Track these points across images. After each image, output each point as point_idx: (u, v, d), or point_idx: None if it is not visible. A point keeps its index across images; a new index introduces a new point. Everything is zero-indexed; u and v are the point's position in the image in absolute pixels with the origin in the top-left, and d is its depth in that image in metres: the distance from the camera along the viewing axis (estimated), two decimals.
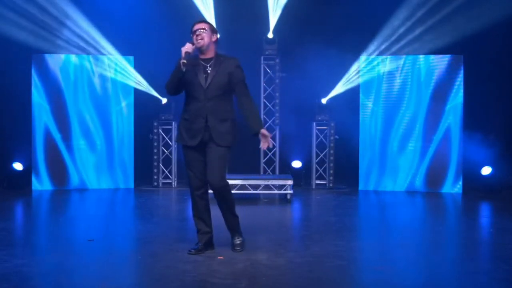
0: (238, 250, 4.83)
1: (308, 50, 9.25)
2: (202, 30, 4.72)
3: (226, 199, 4.82)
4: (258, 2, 9.04)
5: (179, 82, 4.75)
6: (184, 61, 4.62)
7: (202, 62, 4.75)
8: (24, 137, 8.76)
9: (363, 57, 8.93)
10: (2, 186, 8.68)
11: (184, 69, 4.66)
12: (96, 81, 8.88)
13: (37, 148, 8.73)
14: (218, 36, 4.86)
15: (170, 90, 4.84)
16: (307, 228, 6.23)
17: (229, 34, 9.13)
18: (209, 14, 9.01)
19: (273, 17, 9.05)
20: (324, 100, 9.15)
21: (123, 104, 9.00)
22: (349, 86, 9.07)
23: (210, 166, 4.68)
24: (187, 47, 4.67)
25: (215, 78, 4.68)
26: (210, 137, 4.67)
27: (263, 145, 4.64)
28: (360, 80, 8.94)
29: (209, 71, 4.70)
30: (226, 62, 4.74)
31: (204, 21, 4.92)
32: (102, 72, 8.88)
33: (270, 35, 9.15)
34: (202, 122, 4.68)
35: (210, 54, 4.77)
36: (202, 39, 4.71)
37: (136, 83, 9.02)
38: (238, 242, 4.90)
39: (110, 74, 8.91)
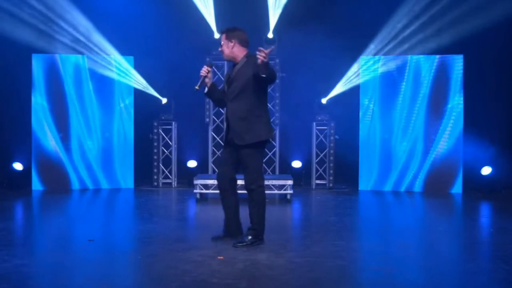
0: (238, 245, 4.91)
1: (308, 50, 9.25)
2: (221, 45, 5.00)
3: (252, 200, 5.14)
4: (258, 2, 9.04)
5: (213, 99, 5.23)
6: (196, 87, 5.01)
7: (233, 68, 5.02)
8: (24, 137, 8.75)
9: (363, 57, 8.94)
10: (2, 186, 8.68)
11: (205, 90, 5.04)
12: (96, 81, 8.87)
13: (37, 148, 8.73)
14: (235, 40, 4.92)
15: (215, 104, 5.32)
16: (307, 228, 6.23)
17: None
18: (209, 14, 9.01)
19: (273, 17, 9.04)
20: (324, 100, 9.15)
21: (123, 104, 8.99)
22: (349, 86, 9.07)
23: (242, 169, 5.08)
24: (202, 71, 4.97)
25: (234, 79, 4.90)
26: (231, 136, 4.96)
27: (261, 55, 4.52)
28: (360, 80, 8.94)
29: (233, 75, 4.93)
30: (249, 60, 4.88)
31: (221, 33, 5.07)
32: (102, 72, 8.87)
33: (270, 35, 9.15)
34: (227, 123, 5.03)
35: (237, 59, 4.96)
36: (223, 52, 4.99)
37: (136, 83, 9.02)
38: (243, 243, 4.95)
39: (110, 74, 8.91)
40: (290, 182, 7.72)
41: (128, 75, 8.96)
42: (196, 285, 3.91)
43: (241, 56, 4.92)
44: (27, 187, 8.68)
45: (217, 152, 9.43)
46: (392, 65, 8.85)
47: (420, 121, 8.78)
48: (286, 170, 9.32)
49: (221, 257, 4.58)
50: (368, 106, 8.93)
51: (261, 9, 9.05)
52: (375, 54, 8.91)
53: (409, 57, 8.82)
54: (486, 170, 8.81)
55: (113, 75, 8.92)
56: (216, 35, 9.12)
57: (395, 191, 8.83)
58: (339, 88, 9.12)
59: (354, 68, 9.01)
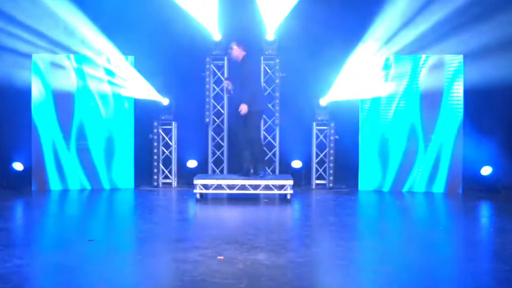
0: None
1: (308, 50, 9.24)
2: (231, 49, 7.89)
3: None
4: (259, 2, 9.03)
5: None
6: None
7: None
8: (24, 137, 8.75)
9: (363, 57, 8.92)
10: (2, 186, 8.68)
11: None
12: (96, 81, 8.87)
13: (37, 148, 8.72)
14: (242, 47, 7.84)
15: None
16: (307, 228, 6.24)
17: (229, 34, 9.14)
18: (210, 15, 8.99)
19: (273, 18, 9.03)
20: (323, 101, 9.12)
21: (123, 104, 8.99)
22: (349, 86, 9.04)
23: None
24: (227, 85, 8.03)
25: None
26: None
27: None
28: (360, 80, 8.92)
29: None
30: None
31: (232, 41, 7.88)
32: (102, 72, 8.87)
33: (270, 35, 9.14)
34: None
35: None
36: (233, 54, 7.90)
37: (136, 83, 9.00)
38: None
39: (110, 74, 8.90)
40: (290, 182, 7.72)
41: (128, 75, 8.94)
42: (196, 285, 3.91)
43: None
44: (27, 187, 8.68)
45: (217, 152, 9.44)
46: (392, 64, 8.84)
47: (420, 120, 8.77)
48: (286, 170, 9.32)
49: (221, 257, 4.58)
50: (368, 106, 8.92)
51: (261, 10, 9.04)
52: (375, 54, 8.89)
53: (409, 56, 8.81)
54: (486, 170, 8.81)
55: (113, 75, 8.90)
56: (217, 36, 9.11)
57: (395, 191, 8.83)
58: (339, 88, 9.09)
59: (354, 67, 8.98)
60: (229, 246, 4.95)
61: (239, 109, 7.63)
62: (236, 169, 8.33)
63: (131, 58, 8.99)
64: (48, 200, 8.04)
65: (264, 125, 9.35)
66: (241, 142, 7.93)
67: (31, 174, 8.73)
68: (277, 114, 9.26)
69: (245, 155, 7.92)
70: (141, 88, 9.03)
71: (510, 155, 8.64)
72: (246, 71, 7.76)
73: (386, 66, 8.87)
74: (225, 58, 9.20)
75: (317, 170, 9.28)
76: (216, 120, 9.40)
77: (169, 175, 9.34)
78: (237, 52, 7.81)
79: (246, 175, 7.85)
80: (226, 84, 8.02)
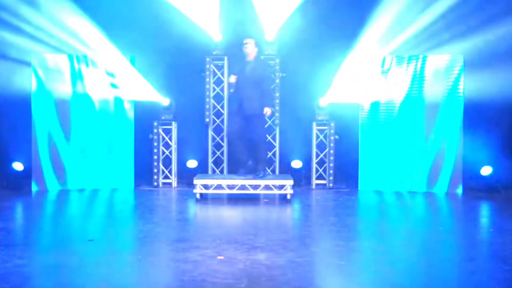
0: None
1: (308, 50, 9.24)
2: (247, 45, 7.83)
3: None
4: (259, 3, 9.03)
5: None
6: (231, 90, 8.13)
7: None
8: (24, 137, 8.75)
9: (363, 57, 8.92)
10: (2, 186, 8.68)
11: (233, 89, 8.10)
12: (96, 80, 8.87)
13: (37, 148, 8.71)
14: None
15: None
16: (307, 228, 6.24)
17: (229, 35, 9.14)
18: (211, 16, 8.99)
19: (273, 18, 9.03)
20: (323, 101, 9.12)
21: (123, 104, 8.99)
22: (349, 86, 9.04)
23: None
24: (232, 80, 7.85)
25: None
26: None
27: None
28: (359, 80, 8.92)
29: None
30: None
31: (249, 38, 7.89)
32: (102, 71, 8.87)
33: (270, 36, 9.14)
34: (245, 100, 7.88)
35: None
36: (248, 50, 7.88)
37: (136, 83, 9.00)
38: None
39: (110, 74, 8.90)
40: (290, 182, 7.72)
41: (128, 75, 8.93)
42: (196, 285, 3.91)
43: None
44: (27, 187, 8.68)
45: (217, 152, 9.43)
46: (392, 64, 8.84)
47: (420, 120, 8.77)
48: (286, 170, 9.32)
49: (221, 257, 4.59)
50: (368, 105, 8.92)
51: (261, 10, 9.04)
52: (375, 54, 8.89)
53: (409, 56, 8.81)
54: (486, 170, 8.81)
55: (113, 75, 8.90)
56: (217, 36, 9.11)
57: (395, 191, 8.82)
58: (339, 87, 9.08)
59: (354, 67, 8.98)
60: (229, 246, 4.95)
61: (264, 112, 7.70)
62: (236, 169, 8.33)
63: (131, 58, 8.99)
64: (48, 200, 8.05)
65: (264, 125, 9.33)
66: (241, 141, 7.90)
67: (31, 174, 8.73)
68: (277, 114, 9.26)
69: (246, 154, 7.91)
70: (141, 88, 9.02)
71: (510, 155, 8.64)
72: (263, 72, 7.84)
73: (386, 67, 8.87)
74: (225, 58, 9.20)
75: (317, 170, 9.28)
76: (216, 120, 9.40)
77: (169, 175, 9.33)
78: (252, 49, 7.79)
79: (248, 173, 7.86)
80: (233, 79, 7.81)
